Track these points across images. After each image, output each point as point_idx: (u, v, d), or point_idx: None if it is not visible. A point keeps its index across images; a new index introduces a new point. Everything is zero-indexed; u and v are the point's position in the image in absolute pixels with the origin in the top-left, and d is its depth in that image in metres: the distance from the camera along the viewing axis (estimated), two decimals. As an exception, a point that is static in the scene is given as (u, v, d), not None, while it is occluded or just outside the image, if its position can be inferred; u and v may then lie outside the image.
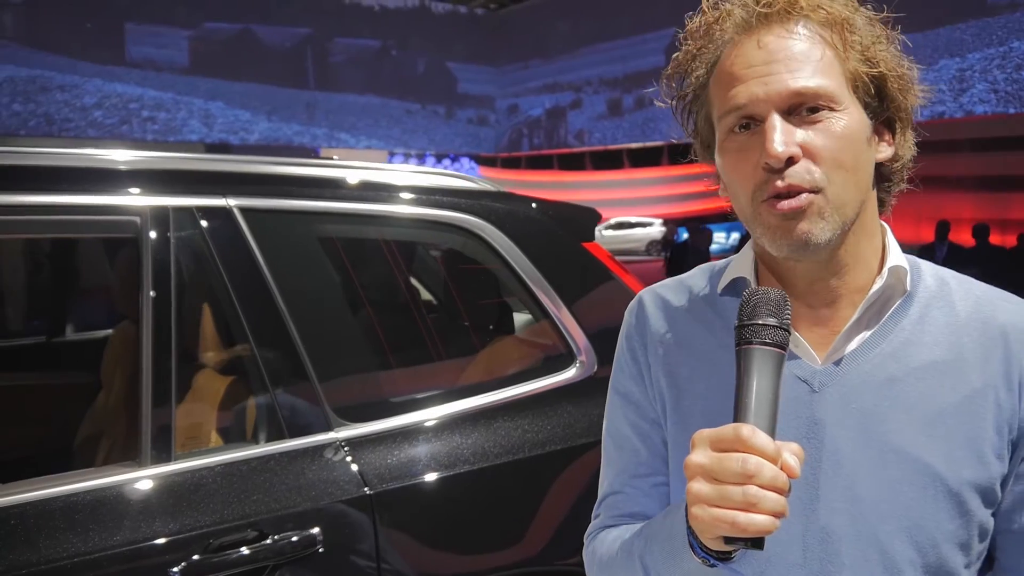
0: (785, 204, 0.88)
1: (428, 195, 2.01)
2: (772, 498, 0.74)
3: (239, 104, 22.26)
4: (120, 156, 1.76)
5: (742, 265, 1.01)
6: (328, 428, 1.79)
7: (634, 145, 27.60)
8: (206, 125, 21.55)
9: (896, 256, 0.96)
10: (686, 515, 0.82)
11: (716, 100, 0.94)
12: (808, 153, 0.88)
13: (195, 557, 1.56)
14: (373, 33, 26.40)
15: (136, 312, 1.68)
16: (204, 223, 1.73)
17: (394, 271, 2.09)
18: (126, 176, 1.72)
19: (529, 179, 31.97)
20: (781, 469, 0.76)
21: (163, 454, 1.64)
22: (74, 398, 2.64)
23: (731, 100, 0.91)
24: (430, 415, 1.91)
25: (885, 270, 0.94)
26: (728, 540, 0.77)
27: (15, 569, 1.45)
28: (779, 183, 0.88)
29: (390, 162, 34.74)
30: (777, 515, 0.74)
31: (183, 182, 1.77)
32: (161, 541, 1.56)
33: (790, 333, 0.82)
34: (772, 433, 0.77)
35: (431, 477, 1.85)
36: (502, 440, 1.93)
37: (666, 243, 25.87)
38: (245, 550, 1.61)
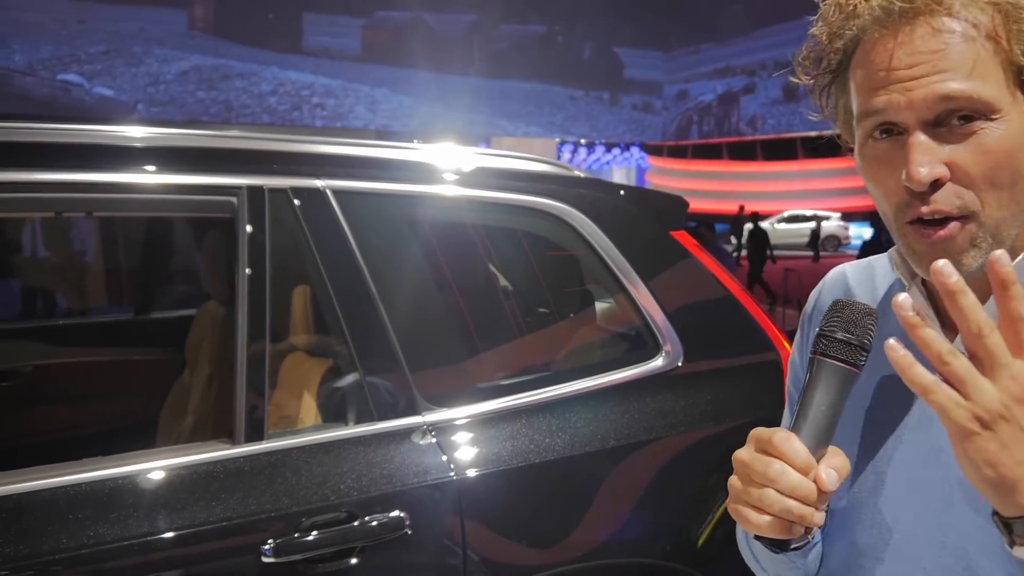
0: (932, 235, 0.81)
1: (517, 180, 2.08)
2: (787, 505, 0.76)
3: (404, 91, 23.14)
4: (217, 136, 1.86)
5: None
6: (416, 412, 1.84)
7: (811, 133, 26.40)
8: (371, 111, 22.55)
9: None
10: None
11: (854, 94, 0.87)
12: (957, 172, 0.80)
13: (286, 535, 1.61)
14: (540, 19, 26.66)
15: (225, 292, 1.79)
16: (298, 204, 1.82)
17: (482, 256, 2.16)
18: (223, 156, 1.82)
19: (695, 169, 31.32)
20: (814, 481, 0.77)
21: (256, 433, 1.70)
22: (159, 375, 2.78)
23: (869, 104, 0.83)
24: (516, 402, 1.95)
25: (1016, 261, 0.84)
26: (757, 536, 0.82)
27: (107, 542, 1.50)
28: (924, 208, 0.81)
29: (559, 151, 34.94)
30: (799, 521, 0.76)
31: (278, 162, 1.85)
32: (253, 518, 1.61)
33: (867, 351, 0.80)
34: (819, 445, 0.79)
35: (516, 464, 1.88)
36: (587, 429, 1.98)
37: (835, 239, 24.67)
38: (335, 530, 1.66)
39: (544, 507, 1.94)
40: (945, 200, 0.80)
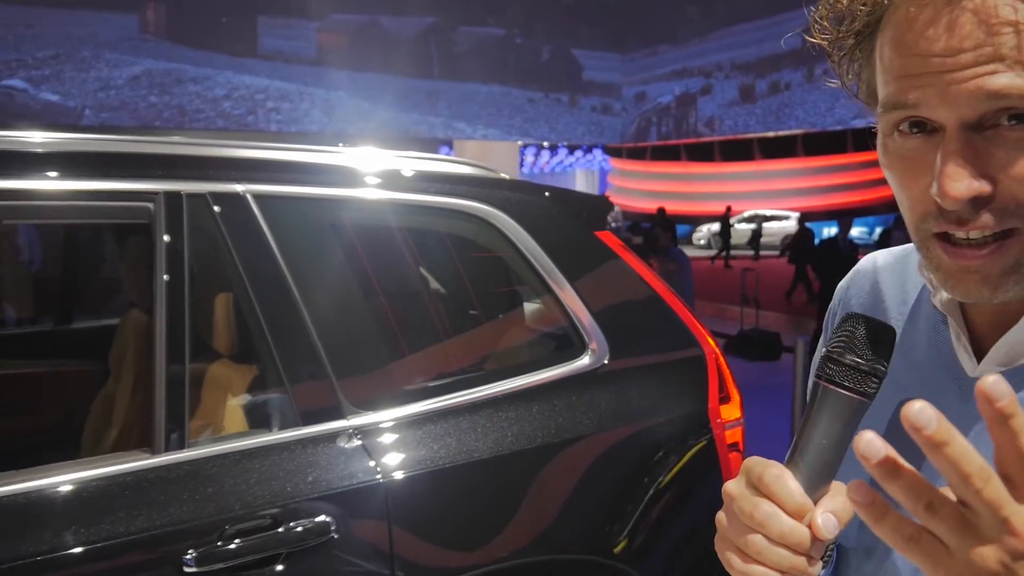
0: (967, 255, 0.68)
1: (441, 183, 2.10)
2: (777, 554, 0.66)
3: (361, 94, 23.04)
4: (134, 141, 1.85)
5: None
6: (341, 416, 1.85)
7: (770, 134, 26.77)
8: (327, 115, 22.42)
9: None
10: None
11: (880, 73, 0.72)
12: (1004, 186, 0.65)
13: (209, 544, 1.61)
14: (498, 21, 26.71)
15: (147, 300, 1.78)
16: (218, 209, 1.82)
17: (407, 259, 2.18)
18: (139, 161, 1.81)
19: (655, 170, 31.58)
20: (809, 526, 0.66)
21: (177, 442, 1.69)
22: (82, 386, 2.74)
23: (898, 95, 0.68)
24: (443, 403, 1.97)
25: None
26: None
27: (26, 557, 1.47)
28: (955, 226, 0.67)
29: (522, 154, 34.92)
30: (789, 573, 0.66)
31: (197, 167, 1.85)
32: (174, 528, 1.60)
33: (880, 378, 0.69)
34: (819, 484, 0.68)
35: (443, 465, 1.90)
36: (514, 428, 2.01)
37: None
38: (259, 537, 1.65)
39: (472, 507, 1.97)
40: (988, 220, 0.66)
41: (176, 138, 1.91)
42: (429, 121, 24.14)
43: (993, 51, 0.63)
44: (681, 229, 28.85)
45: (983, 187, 0.64)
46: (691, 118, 28.59)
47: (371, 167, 2.06)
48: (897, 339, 0.80)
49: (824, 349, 0.70)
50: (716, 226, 28.12)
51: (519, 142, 28.15)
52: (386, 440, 1.88)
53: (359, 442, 1.85)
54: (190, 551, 1.58)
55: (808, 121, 25.17)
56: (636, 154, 32.30)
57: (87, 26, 20.06)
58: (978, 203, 0.65)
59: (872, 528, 0.53)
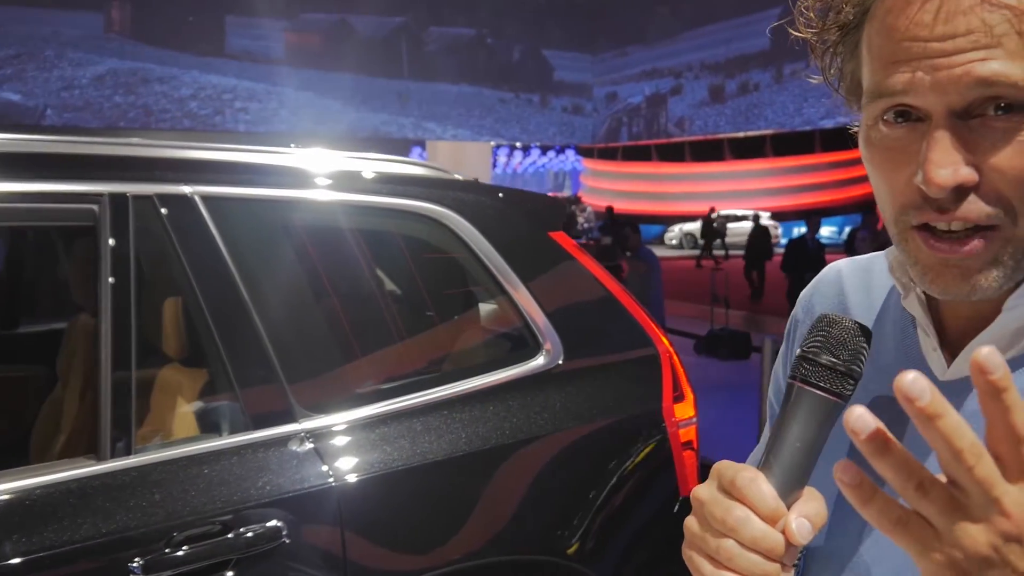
0: (946, 249, 0.68)
1: (394, 184, 2.10)
2: (750, 560, 0.64)
3: (330, 94, 22.96)
4: (79, 142, 1.83)
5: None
6: (293, 419, 1.83)
7: (740, 135, 27.01)
8: (295, 115, 22.32)
9: None
10: None
11: (867, 62, 0.71)
12: (989, 176, 0.65)
13: (157, 552, 1.59)
14: (468, 21, 26.73)
15: (93, 303, 1.74)
16: (165, 211, 1.80)
17: (360, 260, 2.17)
18: (83, 162, 1.79)
19: (626, 170, 31.73)
20: (783, 531, 0.65)
21: (123, 447, 1.67)
22: (30, 391, 2.70)
23: (885, 81, 0.67)
24: (396, 406, 1.95)
25: None
26: None
27: None
28: (937, 216, 0.67)
29: (495, 155, 34.89)
30: None
31: (143, 169, 1.83)
32: (121, 536, 1.57)
33: (856, 379, 0.68)
34: (793, 488, 0.67)
35: (397, 468, 1.89)
36: (467, 430, 2.01)
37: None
38: (208, 543, 1.63)
39: (427, 510, 1.96)
40: (971, 211, 0.66)
41: (123, 139, 1.88)
42: (399, 121, 24.11)
43: (985, 37, 0.62)
44: (655, 230, 29.10)
45: (969, 175, 0.64)
46: (662, 118, 28.78)
47: (322, 168, 2.05)
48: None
49: (799, 349, 0.69)
50: (689, 226, 28.33)
51: (492, 143, 28.20)
52: (338, 443, 1.87)
53: (311, 446, 1.83)
54: (136, 559, 1.56)
55: (777, 121, 25.42)
56: (607, 154, 32.43)
57: (50, 25, 19.80)
58: (961, 193, 0.65)
59: (859, 511, 0.53)
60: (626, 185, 31.86)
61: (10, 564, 1.48)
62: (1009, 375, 0.48)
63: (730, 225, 26.79)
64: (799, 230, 13.24)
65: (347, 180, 2.06)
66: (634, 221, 13.29)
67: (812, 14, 0.74)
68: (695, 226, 28.67)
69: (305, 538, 1.77)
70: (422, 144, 26.26)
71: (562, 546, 2.09)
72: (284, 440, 1.81)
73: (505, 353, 2.22)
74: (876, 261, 0.90)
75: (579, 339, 2.17)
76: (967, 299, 0.70)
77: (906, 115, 0.67)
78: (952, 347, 0.76)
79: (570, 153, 35.53)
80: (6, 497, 1.55)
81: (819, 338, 0.68)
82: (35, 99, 19.21)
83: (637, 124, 29.55)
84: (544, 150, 35.55)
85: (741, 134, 26.95)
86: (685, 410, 2.21)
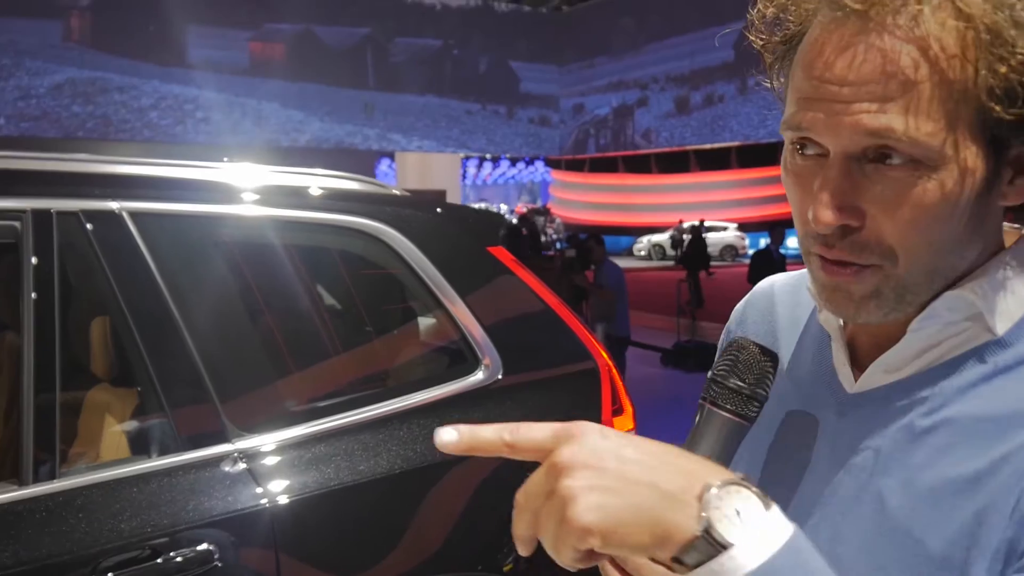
0: (835, 272, 0.72)
1: (330, 199, 2.09)
2: (653, 570, 0.65)
3: (294, 105, 22.83)
4: (0, 157, 1.80)
5: None
6: (226, 439, 1.80)
7: (706, 146, 27.24)
8: (258, 126, 22.16)
9: (983, 285, 0.73)
10: None
11: (789, 89, 0.74)
12: (875, 221, 0.68)
13: None
14: (435, 32, 26.73)
15: (16, 322, 1.70)
16: (91, 227, 1.77)
17: (294, 277, 2.15)
18: (5, 178, 1.76)
19: (593, 182, 31.88)
20: None
21: (47, 471, 1.63)
22: None
23: (791, 115, 0.71)
24: (332, 424, 1.94)
25: (938, 299, 0.73)
26: None
27: None
28: (824, 249, 0.71)
29: (464, 166, 34.78)
30: None
31: (68, 184, 1.80)
32: (44, 563, 1.53)
33: (762, 402, 0.72)
34: None
35: (332, 487, 1.87)
36: (405, 448, 1.99)
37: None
38: (136, 570, 1.61)
39: (363, 530, 1.95)
40: (853, 251, 0.70)
41: (47, 154, 1.86)
42: (364, 132, 24.03)
43: (882, 89, 0.64)
44: (624, 241, 29.23)
45: (850, 219, 0.67)
46: (628, 130, 28.96)
47: (255, 184, 2.04)
48: (788, 358, 0.89)
49: (710, 372, 0.73)
50: (658, 237, 28.50)
51: (461, 154, 28.19)
52: (273, 463, 1.85)
53: (244, 466, 1.81)
54: None
55: (742, 133, 25.67)
56: (575, 166, 32.57)
57: (6, 33, 19.51)
58: (845, 231, 0.68)
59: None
60: (594, 196, 32.02)
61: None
62: (459, 433, 0.64)
63: (708, 236, 27.13)
64: (765, 242, 13.47)
65: (281, 195, 2.06)
66: (598, 233, 13.34)
67: (761, 25, 0.77)
68: (663, 237, 28.89)
69: (238, 561, 1.75)
70: (389, 155, 26.20)
71: (499, 563, 2.09)
72: (216, 461, 1.79)
73: (444, 369, 2.22)
74: (805, 278, 0.90)
75: (518, 354, 2.18)
76: (855, 321, 0.75)
77: (812, 147, 0.70)
78: (861, 361, 0.80)
79: (539, 164, 35.64)
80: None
81: (727, 362, 0.73)
82: (-12, 109, 18.92)
83: (604, 135, 29.72)
84: (513, 161, 35.64)
85: (707, 146, 27.18)
86: (624, 423, 2.22)
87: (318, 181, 2.14)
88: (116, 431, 1.90)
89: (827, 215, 0.67)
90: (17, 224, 1.71)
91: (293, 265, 2.13)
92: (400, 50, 25.98)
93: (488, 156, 32.04)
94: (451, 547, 2.06)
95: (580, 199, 32.81)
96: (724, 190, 28.73)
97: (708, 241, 27.99)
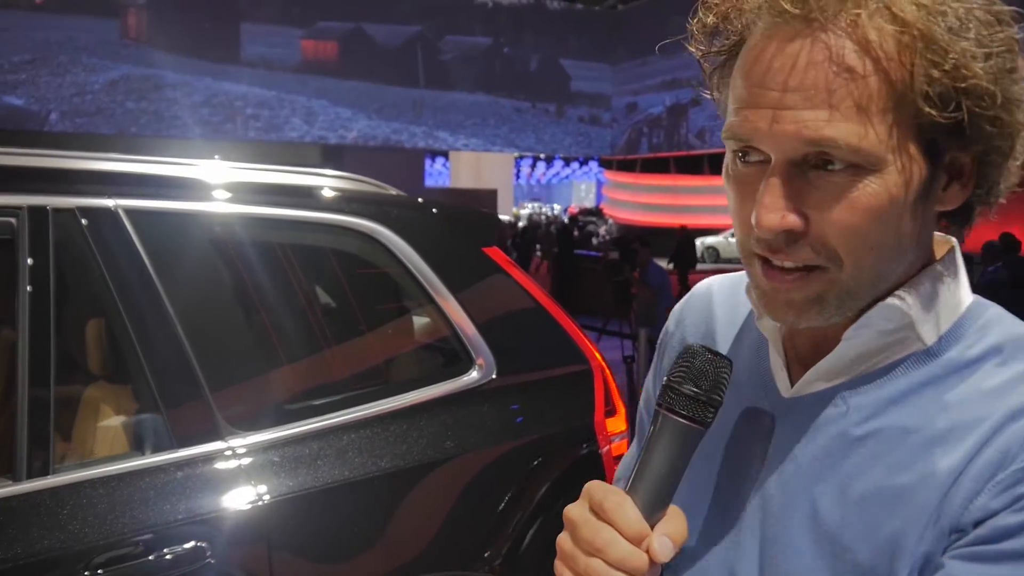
0: (777, 278, 0.74)
1: (325, 199, 2.13)
2: None
3: (344, 102, 23.08)
4: None
5: None
6: (219, 437, 1.83)
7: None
8: (307, 123, 22.45)
9: (917, 298, 0.75)
10: None
11: (730, 98, 0.75)
12: (817, 226, 0.70)
13: (74, 575, 1.58)
14: (485, 30, 26.80)
15: (12, 317, 1.73)
16: (86, 224, 1.82)
17: (289, 275, 2.19)
18: (1, 174, 1.80)
19: (644, 183, 31.64)
20: (647, 551, 0.71)
21: (40, 467, 1.65)
22: None
23: (732, 124, 0.73)
24: (325, 422, 1.97)
25: (873, 309, 0.75)
26: None
27: None
28: (770, 253, 0.73)
29: (517, 165, 34.60)
30: None
31: (65, 181, 1.84)
32: (38, 559, 1.56)
33: (716, 408, 0.74)
34: (656, 509, 0.73)
35: (324, 486, 1.89)
36: (399, 447, 2.02)
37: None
38: (129, 565, 1.63)
39: (356, 528, 1.97)
40: (797, 255, 0.71)
41: (44, 151, 1.91)
42: (411, 130, 24.18)
43: (822, 97, 0.66)
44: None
45: (794, 223, 0.69)
46: (682, 129, 28.66)
47: (252, 182, 2.08)
48: (720, 340, 0.91)
49: (665, 378, 0.75)
50: (711, 239, 28.16)
51: (509, 153, 28.21)
52: (265, 461, 1.87)
53: (237, 463, 1.84)
54: None
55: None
56: (627, 166, 32.37)
57: (65, 30, 20.06)
58: (790, 236, 0.70)
59: None
60: (645, 197, 31.76)
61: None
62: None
63: (732, 240, 26.76)
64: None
65: (277, 194, 2.10)
66: (643, 236, 13.25)
67: (701, 35, 0.78)
68: (718, 240, 28.52)
69: (230, 558, 1.77)
70: (443, 155, 26.30)
71: (491, 562, 2.10)
72: (209, 458, 1.82)
73: (438, 369, 2.25)
74: (743, 280, 0.92)
75: (512, 354, 2.19)
76: (796, 326, 0.77)
77: (755, 154, 0.72)
78: (797, 365, 0.83)
79: (593, 164, 35.50)
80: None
81: (683, 368, 0.74)
82: (41, 104, 19.45)
83: (657, 135, 29.46)
84: (567, 161, 35.53)
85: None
86: (617, 424, 2.23)
87: (314, 180, 2.18)
88: (110, 427, 1.93)
89: (771, 220, 0.69)
90: (13, 220, 1.75)
91: (288, 264, 2.17)
92: (450, 48, 26.09)
93: (542, 156, 31.96)
94: (443, 545, 2.08)
95: (632, 200, 32.58)
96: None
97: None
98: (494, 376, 2.17)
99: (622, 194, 33.59)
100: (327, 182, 2.20)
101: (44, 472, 1.66)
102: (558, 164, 36.52)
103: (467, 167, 27.67)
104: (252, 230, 2.10)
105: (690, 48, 0.79)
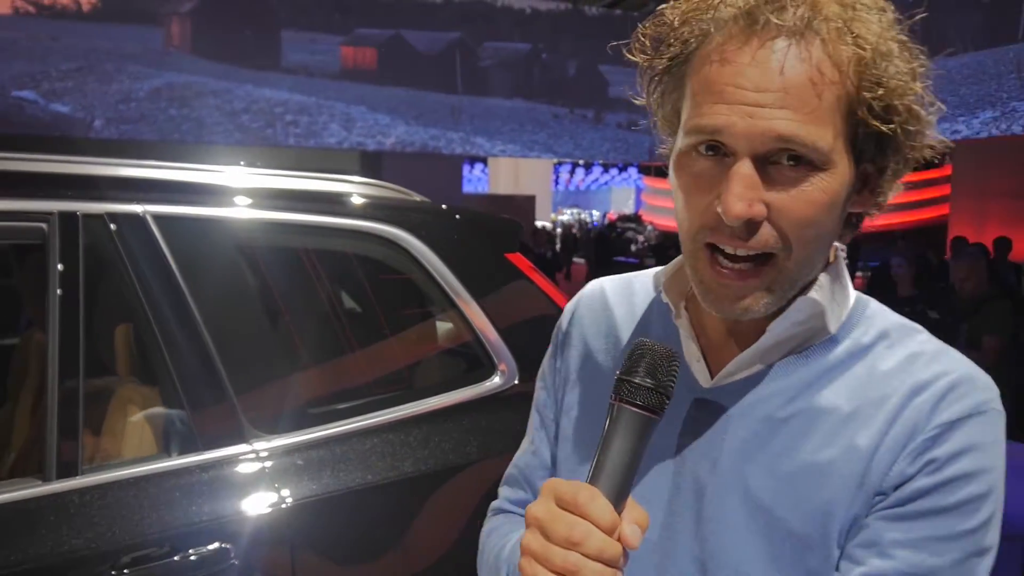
0: (727, 274, 0.82)
1: (350, 205, 2.16)
2: (594, 569, 0.73)
3: (382, 109, 23.24)
4: (29, 160, 1.88)
5: (677, 275, 0.96)
6: (243, 440, 1.86)
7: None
8: (346, 129, 22.63)
9: (826, 292, 0.87)
10: None
11: (690, 97, 0.83)
12: (774, 215, 0.79)
13: (99, 575, 1.61)
14: (524, 36, 26.84)
15: (43, 320, 1.77)
16: (115, 229, 1.87)
17: (313, 281, 2.22)
18: (32, 181, 1.84)
19: (683, 188, 31.41)
20: (619, 539, 0.75)
21: (70, 468, 1.69)
22: None
23: (704, 116, 0.80)
24: (348, 426, 2.00)
25: (794, 303, 0.86)
26: None
27: None
28: (727, 240, 0.81)
29: (556, 171, 34.50)
30: None
31: (94, 187, 1.88)
32: (66, 558, 1.60)
33: (668, 397, 0.79)
34: (621, 498, 0.77)
35: (348, 489, 1.92)
36: (421, 452, 2.04)
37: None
38: (153, 566, 1.66)
39: (378, 532, 1.99)
40: (756, 242, 0.80)
41: (74, 157, 1.95)
42: (448, 136, 24.28)
43: (789, 99, 0.76)
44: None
45: (760, 210, 0.78)
46: (722, 135, 28.41)
47: (276, 188, 2.11)
48: (614, 339, 1.02)
49: (618, 372, 0.81)
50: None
51: (547, 159, 28.19)
52: (289, 464, 1.90)
53: (261, 466, 1.87)
54: None
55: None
56: (666, 172, 32.20)
57: (112, 39, 20.47)
58: (751, 225, 0.79)
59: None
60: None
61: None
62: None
63: None
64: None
65: (303, 201, 2.12)
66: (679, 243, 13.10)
67: (647, 41, 0.88)
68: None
69: (254, 560, 1.80)
70: (482, 160, 26.30)
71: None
72: (234, 460, 1.85)
73: (460, 374, 2.26)
74: (636, 280, 1.06)
75: (534, 360, 2.18)
76: (739, 318, 0.85)
77: (716, 149, 0.82)
78: (712, 358, 0.92)
79: (632, 170, 35.35)
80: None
81: (634, 362, 0.80)
82: (83, 111, 19.85)
83: (697, 141, 29.22)
84: (606, 167, 35.40)
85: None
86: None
87: (339, 187, 2.21)
88: (138, 429, 1.97)
89: (740, 208, 0.78)
90: (44, 226, 1.80)
91: (312, 269, 2.19)
92: (489, 54, 26.16)
93: (581, 162, 31.89)
94: (466, 550, 2.08)
95: (670, 206, 32.36)
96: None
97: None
98: (516, 382, 2.18)
99: (662, 200, 33.39)
100: (352, 188, 2.23)
101: (73, 473, 1.69)
102: (597, 170, 36.41)
103: (506, 173, 27.70)
104: (277, 235, 2.13)
105: (632, 56, 0.88)
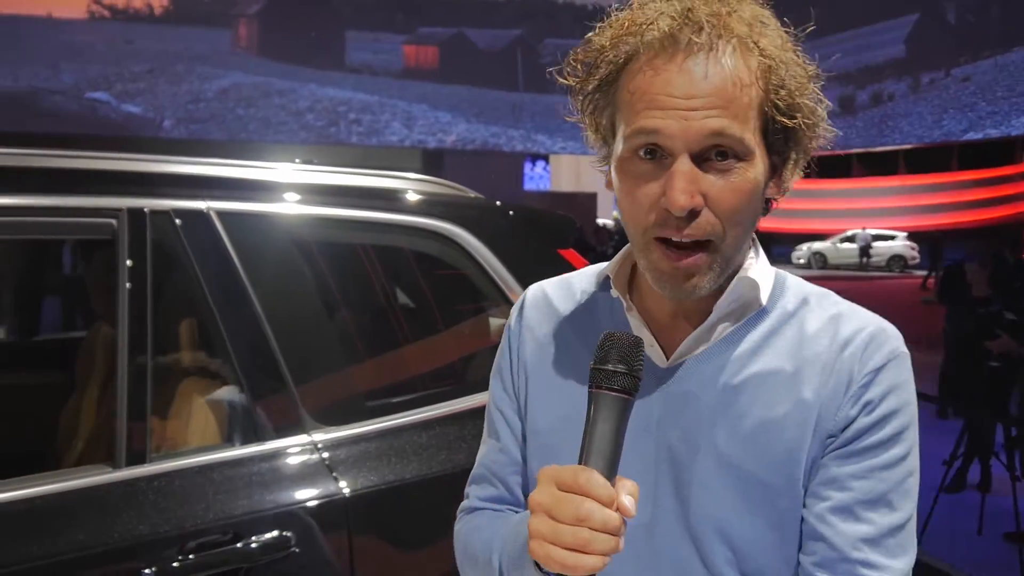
0: (678, 260, 0.92)
1: (406, 201, 2.17)
2: (602, 539, 0.81)
3: (443, 107, 23.43)
4: (98, 158, 1.91)
5: (621, 272, 1.06)
6: (303, 431, 1.88)
7: (876, 149, 25.96)
8: (407, 127, 22.89)
9: (756, 270, 1.00)
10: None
11: (625, 108, 0.93)
12: (710, 204, 0.90)
13: (168, 560, 1.64)
14: (585, 32, 26.78)
15: (111, 314, 1.80)
16: (180, 225, 1.88)
17: (371, 276, 2.24)
18: (102, 178, 1.88)
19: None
20: (617, 510, 0.82)
21: (138, 456, 1.72)
22: (48, 399, 2.72)
23: (642, 123, 0.90)
24: (405, 419, 2.00)
25: (732, 282, 0.98)
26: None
27: None
28: (677, 232, 0.90)
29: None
30: (608, 553, 0.82)
31: (161, 184, 1.91)
32: (134, 543, 1.62)
33: (640, 379, 0.87)
34: (612, 474, 0.85)
35: (406, 481, 1.93)
36: (476, 445, 2.05)
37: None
38: (217, 552, 1.68)
39: (434, 523, 2.00)
40: (698, 228, 0.90)
41: (141, 155, 1.99)
42: (508, 133, 24.40)
43: (717, 101, 0.88)
44: (778, 250, 28.24)
45: (700, 202, 0.89)
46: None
47: (334, 185, 2.13)
48: (564, 335, 1.10)
49: (592, 362, 0.88)
50: (818, 244, 27.37)
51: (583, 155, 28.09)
52: (348, 455, 1.91)
53: (321, 456, 1.88)
54: (148, 567, 1.62)
55: (914, 135, 24.32)
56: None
57: (182, 41, 21.04)
58: (692, 215, 0.89)
59: None
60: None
61: (25, 569, 1.53)
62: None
63: (875, 244, 26.04)
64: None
65: (360, 197, 2.15)
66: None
67: (579, 66, 0.97)
68: (824, 245, 27.69)
69: (314, 548, 1.81)
70: (543, 158, 26.32)
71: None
72: (295, 451, 1.87)
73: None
74: (574, 279, 1.15)
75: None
76: (690, 297, 0.95)
77: (653, 153, 0.91)
78: (662, 341, 1.02)
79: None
80: (24, 503, 1.60)
81: (604, 352, 0.88)
82: (154, 111, 20.41)
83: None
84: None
85: (879, 149, 25.86)
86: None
87: (395, 183, 2.22)
88: (202, 419, 2.00)
89: (683, 199, 0.87)
90: (114, 222, 1.83)
91: (369, 264, 2.21)
92: (550, 51, 26.15)
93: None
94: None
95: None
96: (890, 197, 27.24)
97: (875, 250, 26.68)
98: (569, 378, 2.17)
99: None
100: (407, 184, 2.24)
101: (141, 460, 1.74)
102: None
103: (567, 171, 27.69)
104: (334, 231, 2.16)
105: (565, 81, 0.99)
